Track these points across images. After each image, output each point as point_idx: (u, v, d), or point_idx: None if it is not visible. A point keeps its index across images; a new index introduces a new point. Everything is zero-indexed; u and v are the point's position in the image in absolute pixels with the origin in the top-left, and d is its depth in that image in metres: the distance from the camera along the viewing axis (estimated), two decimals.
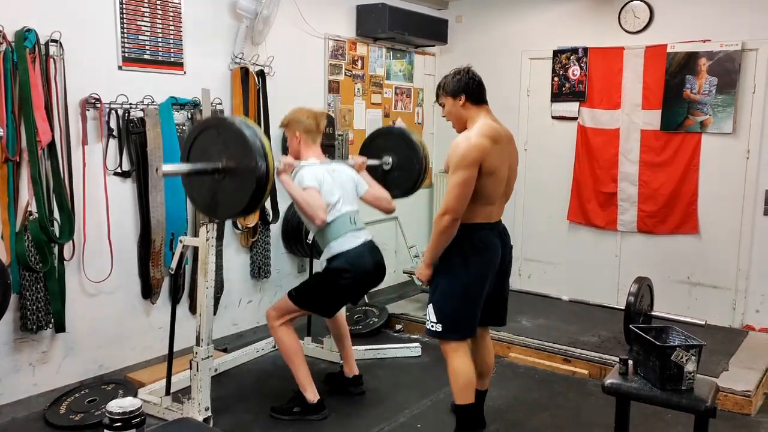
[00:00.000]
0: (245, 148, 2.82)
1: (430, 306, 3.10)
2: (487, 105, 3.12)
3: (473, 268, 3.03)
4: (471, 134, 2.95)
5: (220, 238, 4.23)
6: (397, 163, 4.14)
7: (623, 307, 4.12)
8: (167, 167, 2.93)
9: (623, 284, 5.22)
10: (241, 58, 4.29)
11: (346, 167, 3.72)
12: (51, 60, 3.32)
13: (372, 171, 3.96)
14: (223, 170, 2.90)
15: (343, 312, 3.91)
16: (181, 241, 3.35)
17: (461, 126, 3.11)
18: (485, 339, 3.36)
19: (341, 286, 3.45)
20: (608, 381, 2.78)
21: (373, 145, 4.23)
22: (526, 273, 5.91)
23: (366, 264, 3.46)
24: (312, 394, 3.50)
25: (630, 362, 2.80)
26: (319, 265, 3.67)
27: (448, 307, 3.06)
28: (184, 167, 2.99)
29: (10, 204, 3.23)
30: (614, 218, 5.35)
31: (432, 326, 3.08)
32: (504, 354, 4.45)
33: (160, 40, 3.87)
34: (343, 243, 3.44)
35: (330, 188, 3.45)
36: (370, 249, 3.52)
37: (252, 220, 4.43)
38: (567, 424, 3.55)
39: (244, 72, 4.29)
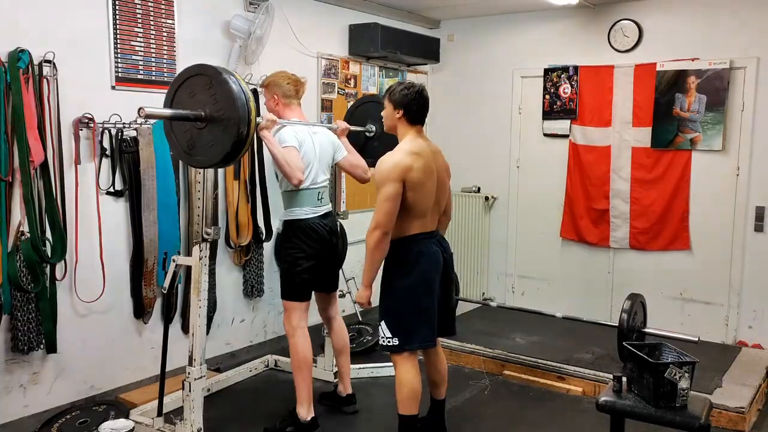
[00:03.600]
0: (231, 102, 2.80)
1: (382, 322, 3.14)
2: (421, 126, 3.20)
3: (416, 276, 3.09)
4: (395, 152, 3.08)
5: (213, 257, 4.22)
6: (380, 133, 4.07)
7: (616, 324, 4.12)
8: (151, 109, 2.83)
9: (616, 301, 5.23)
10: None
11: (328, 131, 3.76)
12: (44, 80, 3.33)
13: (354, 136, 3.97)
14: (206, 119, 2.88)
15: (343, 324, 3.91)
16: (174, 261, 3.34)
17: (392, 132, 3.24)
18: (436, 348, 3.38)
19: (298, 255, 3.50)
20: (602, 398, 2.78)
21: (358, 111, 4.20)
22: (520, 290, 5.91)
23: (319, 230, 3.55)
24: (306, 411, 3.48)
25: (624, 379, 2.80)
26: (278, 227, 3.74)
27: (400, 320, 3.11)
28: (167, 111, 2.93)
29: (1, 224, 3.21)
30: (607, 235, 5.37)
31: (388, 341, 3.11)
32: (498, 372, 4.44)
33: (153, 59, 3.89)
34: (303, 213, 3.53)
35: (307, 152, 3.51)
36: (325, 216, 3.61)
37: (245, 238, 4.43)
38: None
39: None
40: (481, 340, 4.69)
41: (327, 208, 3.66)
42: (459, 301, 5.25)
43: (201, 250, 3.16)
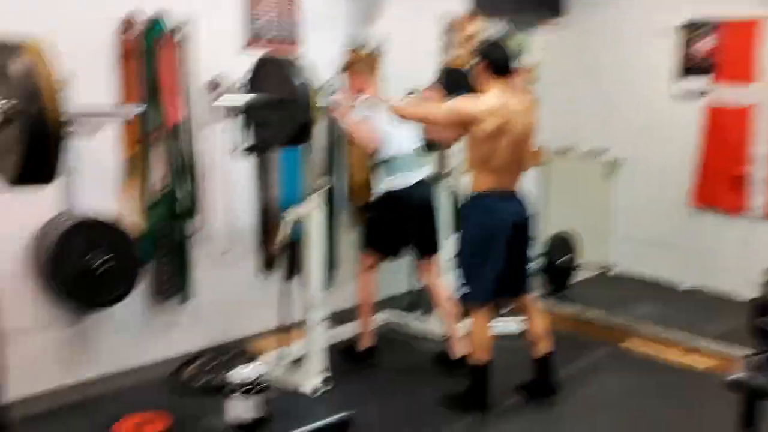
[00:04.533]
0: (295, 91, 3.12)
1: (456, 271, 3.35)
2: (507, 78, 3.22)
3: (481, 231, 3.23)
4: (474, 99, 3.20)
5: (333, 213, 4.34)
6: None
7: (751, 299, 3.88)
8: (228, 99, 3.34)
9: (751, 273, 4.89)
10: (355, 40, 4.34)
11: None
12: (179, 45, 3.51)
13: None
14: (276, 103, 3.17)
15: (442, 290, 3.89)
16: (284, 216, 3.54)
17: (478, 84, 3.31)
18: (530, 307, 3.50)
19: (385, 215, 3.77)
20: (733, 376, 2.64)
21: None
22: (644, 258, 5.64)
23: (409, 199, 3.71)
24: (360, 344, 3.90)
25: (759, 358, 2.65)
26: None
27: (465, 270, 3.30)
28: (244, 98, 3.33)
29: (145, 181, 3.49)
30: (743, 203, 5.01)
31: (462, 290, 3.32)
32: (618, 341, 4.31)
33: (280, 21, 4.02)
34: (394, 181, 3.70)
35: (380, 123, 3.61)
36: (416, 185, 3.72)
37: (363, 200, 4.50)
38: (685, 418, 3.42)
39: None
40: (601, 309, 4.56)
41: (419, 176, 3.75)
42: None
43: (312, 201, 3.36)
